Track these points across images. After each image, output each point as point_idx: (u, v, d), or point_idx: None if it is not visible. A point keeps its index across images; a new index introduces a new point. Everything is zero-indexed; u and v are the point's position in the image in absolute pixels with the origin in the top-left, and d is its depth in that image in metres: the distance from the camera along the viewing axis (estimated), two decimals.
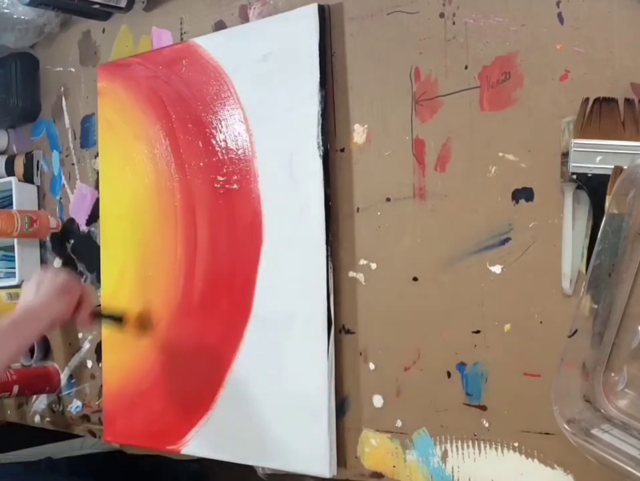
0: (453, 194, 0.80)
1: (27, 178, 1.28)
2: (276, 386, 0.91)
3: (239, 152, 0.96)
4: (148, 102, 1.07)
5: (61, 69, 1.25)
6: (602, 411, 0.68)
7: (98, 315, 1.06)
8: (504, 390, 0.76)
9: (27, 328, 0.92)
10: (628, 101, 0.68)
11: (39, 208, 1.28)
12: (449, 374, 0.80)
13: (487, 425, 0.78)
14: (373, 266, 0.86)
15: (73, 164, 1.22)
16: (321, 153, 0.88)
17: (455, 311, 0.80)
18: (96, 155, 1.17)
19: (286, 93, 0.91)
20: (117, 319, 1.07)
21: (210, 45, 0.99)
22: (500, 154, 0.77)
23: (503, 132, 0.77)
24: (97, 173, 1.16)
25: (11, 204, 1.26)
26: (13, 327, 0.90)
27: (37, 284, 0.97)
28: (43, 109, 1.28)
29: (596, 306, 0.66)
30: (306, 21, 0.89)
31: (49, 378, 1.23)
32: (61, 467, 1.41)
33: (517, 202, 0.76)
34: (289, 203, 0.91)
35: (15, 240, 1.23)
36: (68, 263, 1.23)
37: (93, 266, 1.17)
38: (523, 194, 0.75)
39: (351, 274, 0.88)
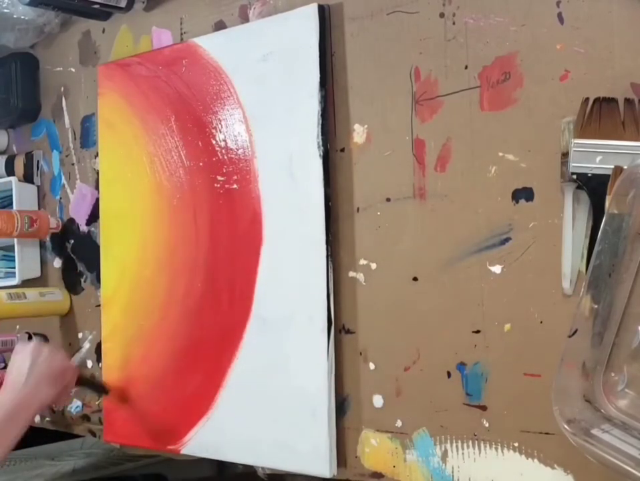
0: (453, 194, 0.80)
1: (27, 178, 1.28)
2: (276, 386, 0.91)
3: (239, 152, 0.96)
4: (148, 102, 1.07)
5: (61, 69, 1.25)
6: (602, 411, 0.68)
7: (82, 384, 1.06)
8: (504, 390, 0.76)
9: (20, 419, 0.90)
10: (628, 101, 0.68)
11: (39, 208, 1.27)
12: (449, 374, 0.80)
13: (487, 425, 0.78)
14: (373, 266, 0.86)
15: (73, 164, 1.22)
16: (321, 153, 0.88)
17: (455, 311, 0.80)
18: (96, 155, 1.17)
19: (286, 93, 0.91)
20: (99, 389, 1.08)
21: (210, 45, 0.99)
22: (500, 154, 0.77)
23: (503, 132, 0.77)
24: (97, 173, 1.16)
25: (11, 204, 1.26)
26: (6, 422, 0.88)
27: (31, 362, 0.93)
28: (43, 109, 1.28)
29: (596, 306, 0.66)
30: (306, 21, 0.89)
31: None
32: None
33: (517, 202, 0.76)
34: (289, 203, 0.91)
35: (15, 240, 1.23)
36: (68, 263, 1.23)
37: (93, 266, 1.17)
38: (523, 194, 0.75)
39: (351, 274, 0.88)
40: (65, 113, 1.24)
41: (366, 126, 0.87)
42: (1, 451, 0.86)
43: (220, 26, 1.02)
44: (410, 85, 0.83)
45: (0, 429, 0.87)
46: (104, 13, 1.15)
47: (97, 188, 1.16)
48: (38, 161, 1.28)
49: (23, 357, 0.94)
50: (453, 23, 0.80)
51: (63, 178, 1.24)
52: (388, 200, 0.85)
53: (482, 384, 0.78)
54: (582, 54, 0.71)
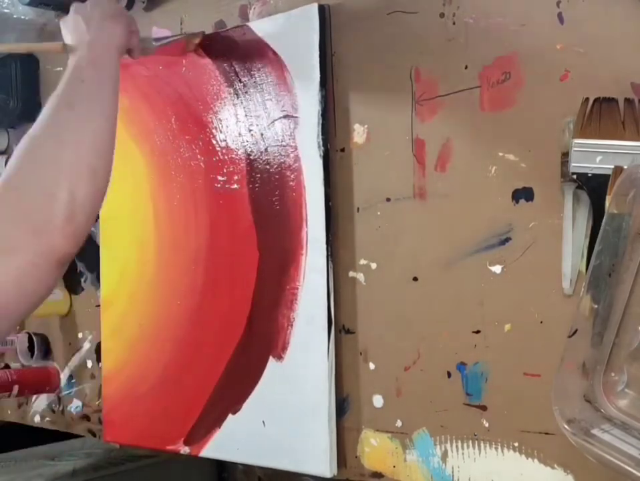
0: (454, 194, 0.80)
1: None
2: (276, 386, 0.91)
3: (239, 152, 0.96)
4: (148, 102, 1.07)
5: (61, 69, 1.24)
6: (602, 411, 0.68)
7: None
8: (504, 390, 0.76)
9: (103, 65, 0.75)
10: (628, 101, 0.68)
11: None
12: (449, 374, 0.80)
13: (487, 425, 0.78)
14: (373, 266, 0.86)
15: None
16: (321, 154, 0.88)
17: (455, 311, 0.80)
18: None
19: (286, 92, 0.91)
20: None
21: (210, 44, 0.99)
22: (500, 154, 0.77)
23: (503, 132, 0.77)
24: None
25: None
26: (90, 72, 0.74)
27: (85, 19, 0.79)
28: None
29: (596, 306, 0.66)
30: (306, 21, 0.89)
31: (49, 378, 1.23)
32: None
33: (517, 202, 0.76)
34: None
35: None
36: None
37: (93, 266, 1.17)
38: (523, 194, 0.75)
39: (351, 274, 0.88)
40: None
41: (366, 126, 0.87)
42: (102, 115, 0.72)
43: (220, 26, 1.02)
44: (410, 85, 0.83)
45: (85, 93, 0.73)
46: None
47: None
48: None
49: (74, 20, 0.80)
50: (453, 23, 0.80)
51: None
52: (388, 200, 0.85)
53: (482, 384, 0.78)
54: (582, 54, 0.71)
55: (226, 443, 0.97)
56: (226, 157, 0.97)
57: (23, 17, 1.18)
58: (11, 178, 0.66)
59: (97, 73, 0.74)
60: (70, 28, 0.81)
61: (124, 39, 0.81)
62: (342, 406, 0.88)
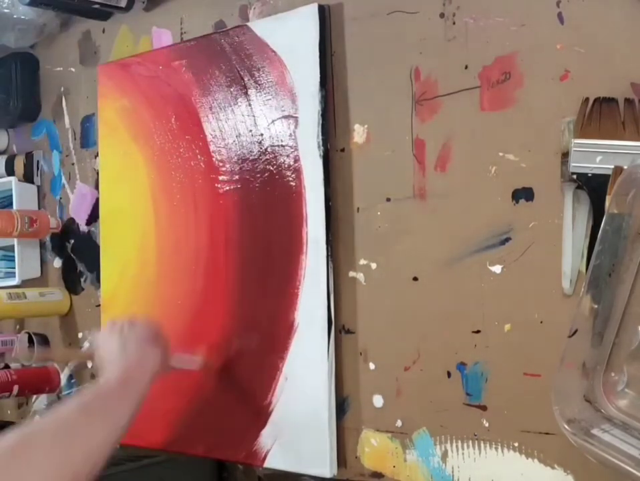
0: (454, 194, 0.80)
1: (27, 178, 1.28)
2: (276, 386, 0.91)
3: (239, 152, 0.96)
4: (148, 102, 1.07)
5: (61, 69, 1.25)
6: (602, 411, 0.68)
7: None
8: (504, 390, 0.76)
9: (130, 392, 0.77)
10: (628, 101, 0.68)
11: (39, 208, 1.27)
12: (449, 374, 0.80)
13: (487, 425, 0.78)
14: (373, 266, 0.86)
15: (73, 164, 1.22)
16: (321, 153, 0.88)
17: (455, 311, 0.80)
18: (96, 155, 1.17)
19: (286, 93, 0.91)
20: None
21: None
22: (500, 154, 0.77)
23: (503, 132, 0.77)
24: (97, 173, 1.16)
25: (11, 204, 1.26)
26: (118, 390, 0.76)
27: (120, 341, 0.83)
28: (43, 109, 1.28)
29: (596, 306, 0.66)
30: (306, 21, 0.89)
31: (49, 378, 1.23)
32: None
33: (517, 202, 0.76)
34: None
35: (15, 240, 1.23)
36: (68, 263, 1.23)
37: (93, 266, 1.17)
38: (523, 194, 0.75)
39: (351, 274, 0.88)
40: (65, 113, 1.24)
41: (366, 126, 0.87)
42: (112, 429, 0.72)
43: (220, 26, 1.02)
44: (410, 85, 0.83)
45: (105, 407, 0.74)
46: (104, 13, 1.15)
47: (97, 188, 1.16)
48: (38, 161, 1.28)
49: (110, 343, 0.84)
50: (454, 23, 0.80)
51: (63, 178, 1.24)
52: (388, 200, 0.85)
53: (482, 384, 0.78)
54: (582, 54, 0.71)
55: (226, 442, 0.97)
56: (226, 157, 0.97)
57: (23, 17, 1.18)
58: None
59: (125, 392, 0.76)
60: (105, 347, 0.84)
61: (160, 365, 0.83)
62: (342, 406, 0.88)
